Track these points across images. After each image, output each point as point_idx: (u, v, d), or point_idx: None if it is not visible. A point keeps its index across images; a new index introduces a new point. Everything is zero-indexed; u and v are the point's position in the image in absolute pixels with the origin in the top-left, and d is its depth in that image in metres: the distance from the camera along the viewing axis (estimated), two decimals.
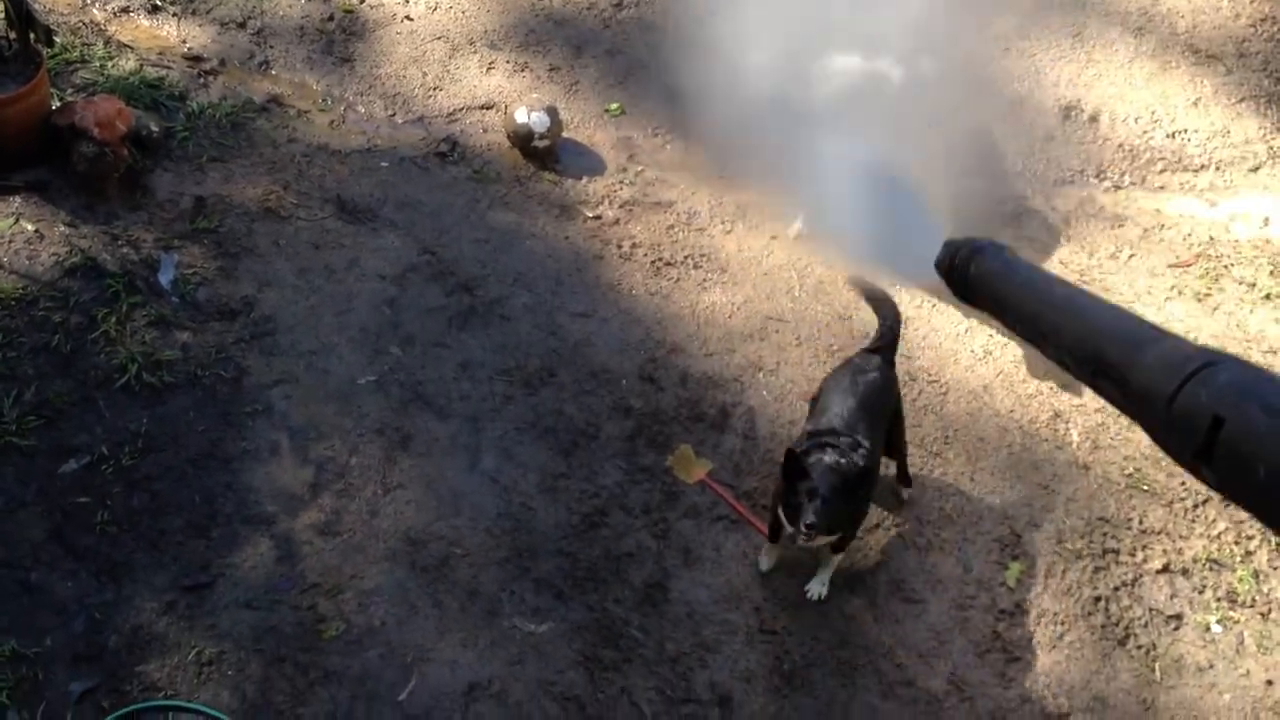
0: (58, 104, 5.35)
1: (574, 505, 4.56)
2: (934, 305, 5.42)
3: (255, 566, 4.23)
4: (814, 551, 4.39)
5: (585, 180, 5.88)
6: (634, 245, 5.58)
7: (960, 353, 5.26)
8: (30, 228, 5.00)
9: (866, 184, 3.47)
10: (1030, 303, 2.22)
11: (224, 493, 4.41)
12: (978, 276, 2.41)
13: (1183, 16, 6.72)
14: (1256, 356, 5.27)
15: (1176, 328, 5.35)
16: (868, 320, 5.31)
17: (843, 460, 3.98)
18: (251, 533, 4.32)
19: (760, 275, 5.52)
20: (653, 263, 5.51)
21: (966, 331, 5.34)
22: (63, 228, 5.04)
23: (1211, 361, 1.71)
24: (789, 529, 4.07)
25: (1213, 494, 4.81)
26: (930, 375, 5.17)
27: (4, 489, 4.27)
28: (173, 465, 4.45)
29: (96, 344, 4.71)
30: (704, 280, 5.45)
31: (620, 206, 5.75)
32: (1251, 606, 4.57)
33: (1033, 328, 2.21)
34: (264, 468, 4.50)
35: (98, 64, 5.81)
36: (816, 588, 4.41)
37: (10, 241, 4.93)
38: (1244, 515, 4.63)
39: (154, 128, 5.47)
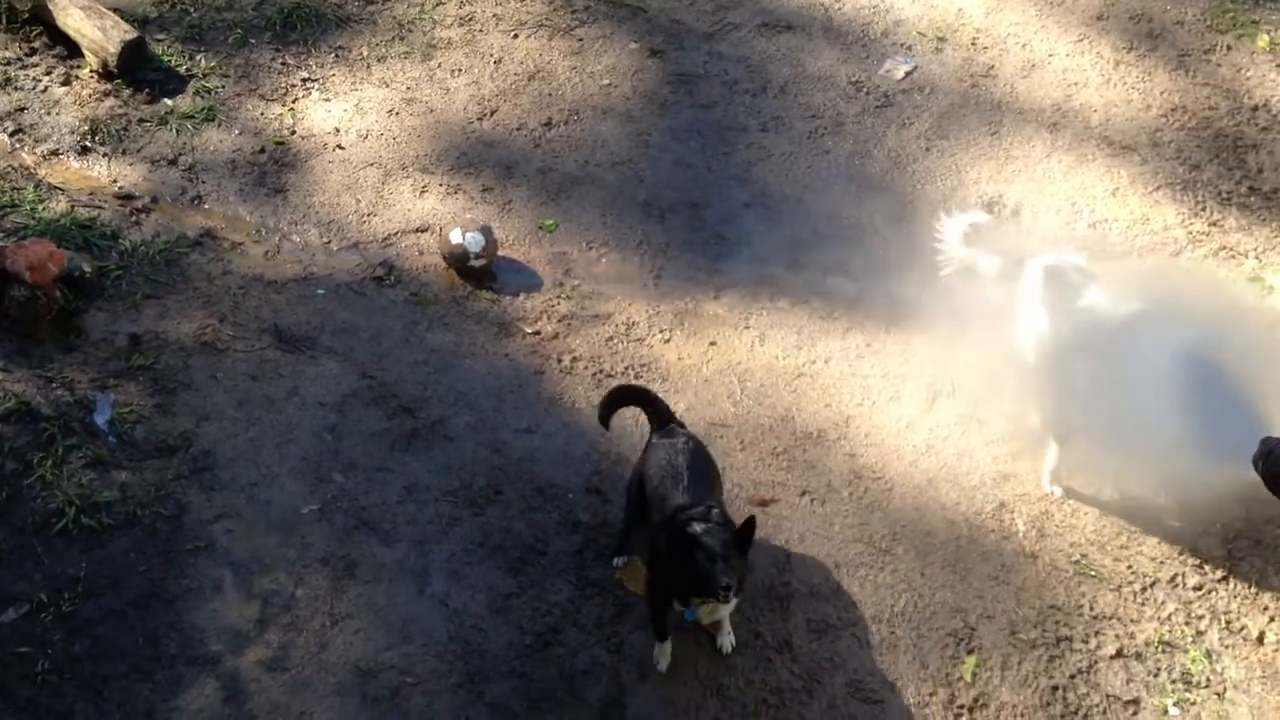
0: None
1: (525, 624, 4.52)
2: (873, 403, 5.48)
3: (201, 709, 4.14)
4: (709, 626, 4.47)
5: (523, 297, 5.92)
6: (574, 359, 5.61)
7: (903, 449, 5.31)
8: None
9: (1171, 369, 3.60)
10: None
11: (167, 633, 4.32)
12: None
13: (1095, 110, 6.93)
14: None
15: None
16: (810, 421, 5.37)
17: (714, 525, 4.12)
18: (197, 674, 4.23)
19: (701, 382, 5.55)
20: (594, 375, 5.54)
21: (908, 427, 5.39)
22: None
23: None
24: (695, 602, 4.15)
25: (1160, 575, 4.85)
26: (874, 472, 5.20)
27: None
28: (114, 608, 4.36)
29: (33, 489, 4.64)
30: None
31: (559, 321, 5.79)
32: (1207, 687, 4.58)
33: None
34: (208, 605, 4.43)
35: (28, 207, 5.82)
36: (726, 641, 4.49)
37: None
38: (1192, 596, 4.69)
39: (87, 268, 5.46)
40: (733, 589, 3.98)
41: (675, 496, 4.34)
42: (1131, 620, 4.75)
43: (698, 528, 4.08)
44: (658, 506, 4.40)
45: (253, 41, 7.01)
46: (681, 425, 4.75)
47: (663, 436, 4.62)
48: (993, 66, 7.17)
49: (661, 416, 4.74)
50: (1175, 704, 4.51)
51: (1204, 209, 6.41)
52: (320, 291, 5.79)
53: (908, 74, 7.14)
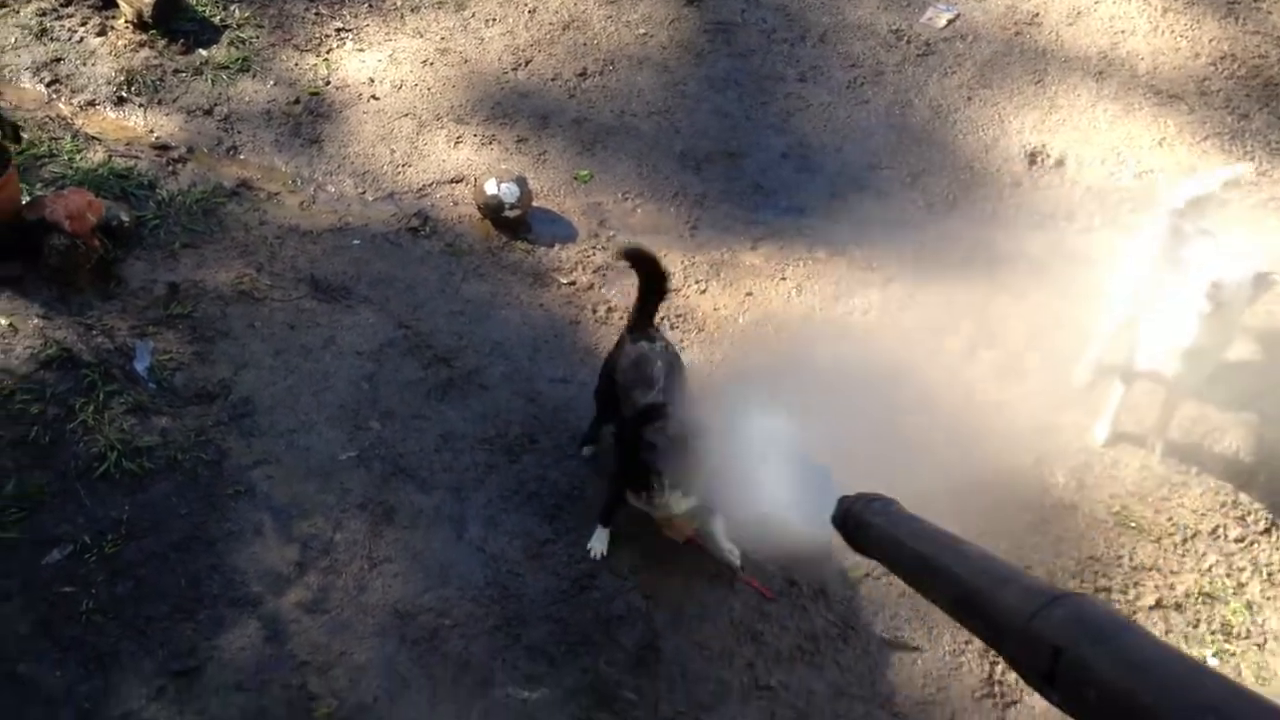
0: (27, 199, 5.35)
1: (562, 570, 4.52)
2: (910, 357, 5.44)
3: (243, 648, 4.18)
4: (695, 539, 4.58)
5: (558, 248, 5.90)
6: (609, 309, 5.59)
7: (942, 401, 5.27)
8: (4, 322, 4.98)
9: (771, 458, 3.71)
10: (911, 554, 2.50)
11: (209, 575, 4.36)
12: (867, 531, 2.68)
13: (1143, 59, 6.83)
14: (1236, 389, 5.29)
15: None
16: (844, 369, 5.33)
17: (670, 423, 4.22)
18: (238, 614, 4.27)
19: (737, 333, 5.53)
20: None
21: (947, 379, 5.35)
22: (36, 320, 5.02)
23: (1055, 597, 1.95)
24: (646, 495, 4.28)
25: (1200, 527, 4.82)
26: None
27: None
28: (156, 551, 4.40)
29: (75, 434, 4.68)
30: (681, 340, 5.45)
31: (594, 271, 5.77)
32: (1247, 638, 4.55)
33: (913, 576, 2.46)
34: (248, 548, 4.46)
35: (66, 157, 5.83)
36: (731, 557, 4.59)
37: None
38: (1234, 548, 4.65)
39: (124, 217, 5.48)
40: (667, 487, 4.15)
41: (644, 395, 4.41)
42: (1171, 572, 4.72)
43: (656, 424, 4.20)
44: (626, 402, 4.48)
45: None
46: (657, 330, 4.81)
47: (636, 340, 4.61)
48: (1037, 14, 7.08)
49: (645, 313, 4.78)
50: (1214, 655, 4.48)
51: (1253, 159, 6.32)
52: (356, 242, 5.79)
53: (950, 22, 7.06)
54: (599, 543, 4.59)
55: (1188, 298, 4.55)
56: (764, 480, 3.54)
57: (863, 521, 2.69)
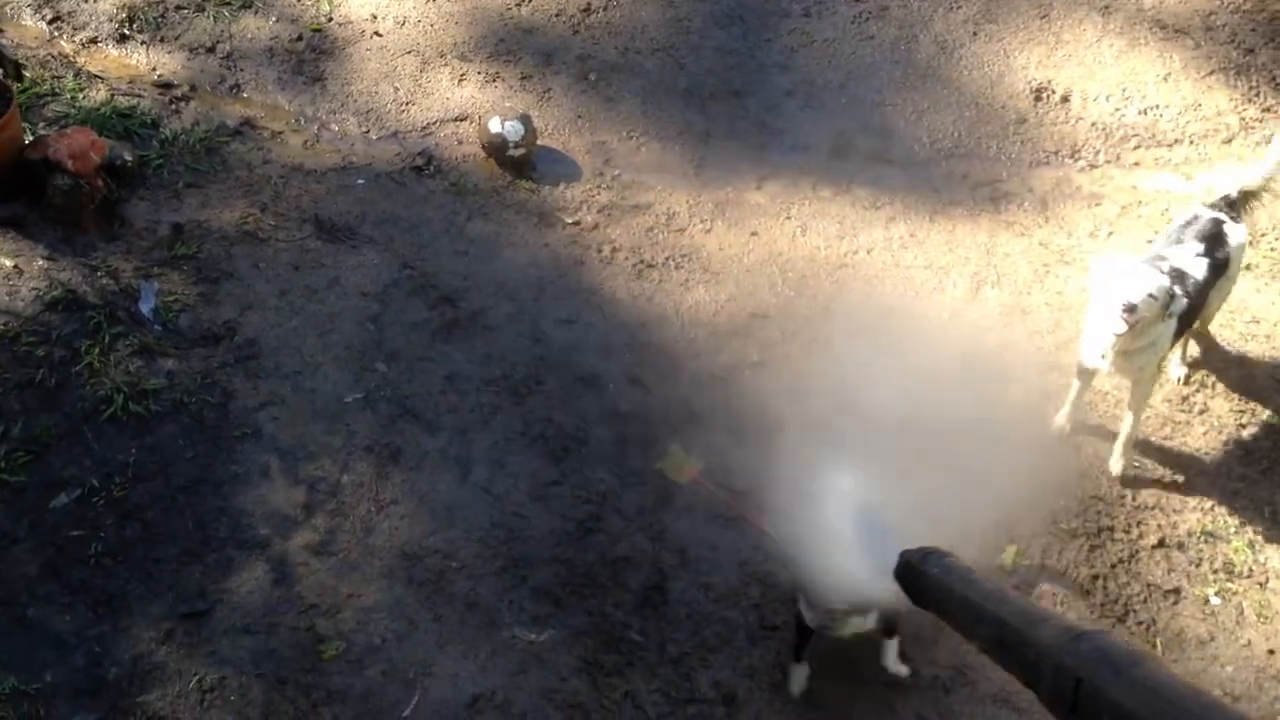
0: (30, 138, 5.33)
1: (567, 512, 4.55)
2: (916, 295, 5.44)
3: (252, 590, 4.22)
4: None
5: (562, 187, 5.87)
6: (614, 249, 5.58)
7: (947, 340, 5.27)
8: (8, 263, 4.98)
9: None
10: (960, 600, 2.64)
11: (216, 518, 4.39)
12: (922, 583, 2.84)
13: None
14: (1240, 327, 5.29)
15: None
16: (848, 313, 5.33)
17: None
18: (246, 556, 4.31)
19: (743, 272, 5.52)
20: (634, 265, 5.51)
21: (951, 319, 5.35)
22: (41, 262, 5.02)
23: (1081, 634, 2.11)
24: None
25: (1203, 466, 4.84)
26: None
27: None
28: (164, 494, 4.43)
29: (81, 376, 4.69)
30: (686, 280, 5.45)
31: (599, 211, 5.75)
32: (1249, 577, 4.58)
33: (959, 619, 2.65)
34: (255, 490, 4.49)
35: (69, 96, 5.80)
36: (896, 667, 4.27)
37: None
38: (1237, 486, 4.68)
39: (128, 157, 5.46)
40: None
41: None
42: (1174, 511, 4.74)
43: None
44: None
45: None
46: None
47: None
48: None
49: None
50: (1216, 594, 4.51)
51: (1258, 94, 6.26)
52: (360, 181, 5.76)
53: None
54: (796, 683, 4.18)
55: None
56: (835, 538, 3.60)
57: (919, 571, 2.85)
